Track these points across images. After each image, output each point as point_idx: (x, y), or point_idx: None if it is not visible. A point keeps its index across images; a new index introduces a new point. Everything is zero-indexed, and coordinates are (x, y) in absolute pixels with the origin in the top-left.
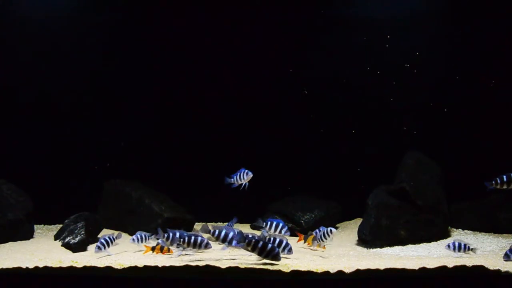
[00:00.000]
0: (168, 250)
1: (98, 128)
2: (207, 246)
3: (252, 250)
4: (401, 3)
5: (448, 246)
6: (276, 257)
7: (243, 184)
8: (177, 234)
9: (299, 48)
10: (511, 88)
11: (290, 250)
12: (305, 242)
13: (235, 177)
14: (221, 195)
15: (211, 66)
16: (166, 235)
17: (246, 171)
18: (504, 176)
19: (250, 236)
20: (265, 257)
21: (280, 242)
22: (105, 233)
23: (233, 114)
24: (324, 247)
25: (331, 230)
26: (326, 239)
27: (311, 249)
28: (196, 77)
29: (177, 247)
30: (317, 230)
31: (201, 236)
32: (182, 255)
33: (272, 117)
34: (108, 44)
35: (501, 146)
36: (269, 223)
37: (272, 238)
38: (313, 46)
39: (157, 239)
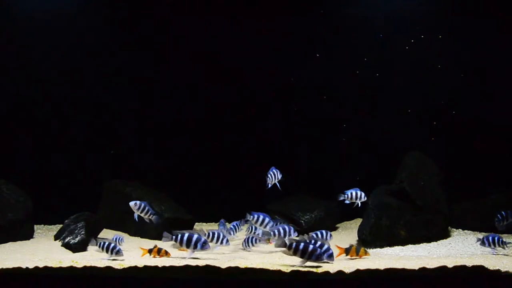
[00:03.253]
0: (166, 253)
1: (98, 128)
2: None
3: (294, 254)
4: (401, 3)
5: (483, 242)
6: (319, 258)
7: (275, 183)
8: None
9: (300, 49)
10: (510, 87)
11: (330, 256)
12: (347, 254)
13: (268, 176)
14: (221, 195)
15: (211, 67)
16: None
17: (276, 170)
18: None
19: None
20: (308, 259)
21: (321, 245)
22: (105, 233)
23: (233, 114)
24: (368, 253)
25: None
26: (356, 199)
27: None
28: (196, 77)
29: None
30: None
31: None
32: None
33: (272, 117)
34: (108, 44)
35: (502, 147)
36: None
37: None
38: (313, 47)
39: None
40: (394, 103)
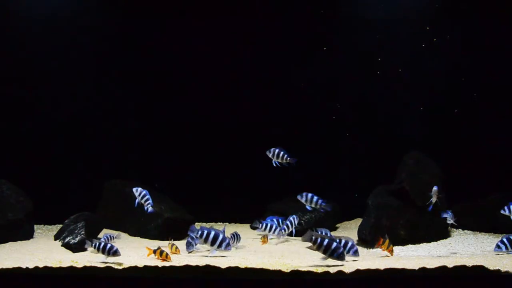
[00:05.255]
0: (166, 256)
1: (98, 128)
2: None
3: (317, 249)
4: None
5: (498, 246)
6: (341, 257)
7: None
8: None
9: (300, 48)
10: (510, 88)
11: (355, 253)
12: (383, 244)
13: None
14: (221, 195)
15: (211, 67)
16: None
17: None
18: None
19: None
20: (330, 256)
21: (346, 243)
22: (105, 233)
23: (233, 114)
24: (391, 250)
25: None
26: None
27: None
28: (196, 77)
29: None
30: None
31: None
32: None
33: (272, 117)
34: (108, 45)
35: (501, 146)
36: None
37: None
38: (313, 47)
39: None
40: (395, 103)
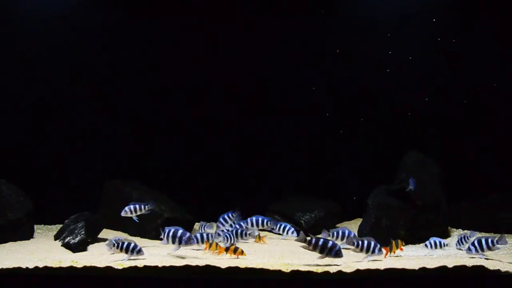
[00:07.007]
0: (242, 253)
1: (98, 128)
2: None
3: (313, 249)
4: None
5: (469, 249)
6: (338, 255)
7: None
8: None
9: (301, 47)
10: (511, 88)
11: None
12: (391, 251)
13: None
14: (221, 195)
15: (212, 66)
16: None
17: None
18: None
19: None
20: (327, 255)
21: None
22: (105, 233)
23: (233, 114)
24: (401, 248)
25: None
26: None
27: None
28: (196, 76)
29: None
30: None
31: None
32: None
33: (271, 117)
34: (108, 43)
35: (501, 146)
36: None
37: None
38: (314, 46)
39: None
40: (395, 102)
